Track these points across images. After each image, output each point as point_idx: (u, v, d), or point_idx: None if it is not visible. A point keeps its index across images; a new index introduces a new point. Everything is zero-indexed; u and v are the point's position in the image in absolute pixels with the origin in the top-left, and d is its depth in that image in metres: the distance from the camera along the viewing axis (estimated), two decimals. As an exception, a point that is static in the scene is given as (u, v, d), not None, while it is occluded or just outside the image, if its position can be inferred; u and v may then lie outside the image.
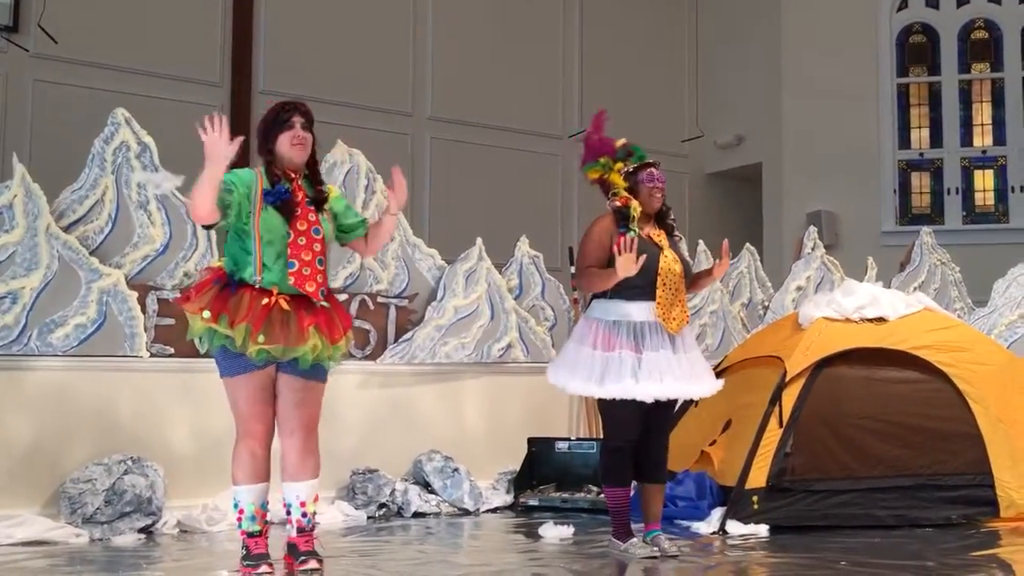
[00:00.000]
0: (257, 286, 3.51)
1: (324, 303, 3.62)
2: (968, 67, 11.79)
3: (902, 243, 9.47)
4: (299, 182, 3.65)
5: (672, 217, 4.34)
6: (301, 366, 3.56)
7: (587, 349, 4.11)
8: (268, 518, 3.68)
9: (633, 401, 4.04)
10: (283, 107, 3.68)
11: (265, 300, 3.49)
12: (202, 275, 3.72)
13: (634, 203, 4.15)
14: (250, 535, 3.60)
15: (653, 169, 4.22)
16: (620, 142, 4.25)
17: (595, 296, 4.23)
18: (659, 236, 4.24)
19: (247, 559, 3.58)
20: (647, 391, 4.01)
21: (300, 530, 3.64)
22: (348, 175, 6.00)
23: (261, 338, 3.44)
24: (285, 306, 3.51)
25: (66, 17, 8.59)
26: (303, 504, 3.62)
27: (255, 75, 9.70)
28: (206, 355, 3.64)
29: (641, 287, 4.12)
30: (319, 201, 3.68)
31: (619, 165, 4.21)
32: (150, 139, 5.32)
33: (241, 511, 3.60)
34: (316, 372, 3.64)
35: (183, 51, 9.24)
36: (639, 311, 4.11)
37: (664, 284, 4.13)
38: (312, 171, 3.72)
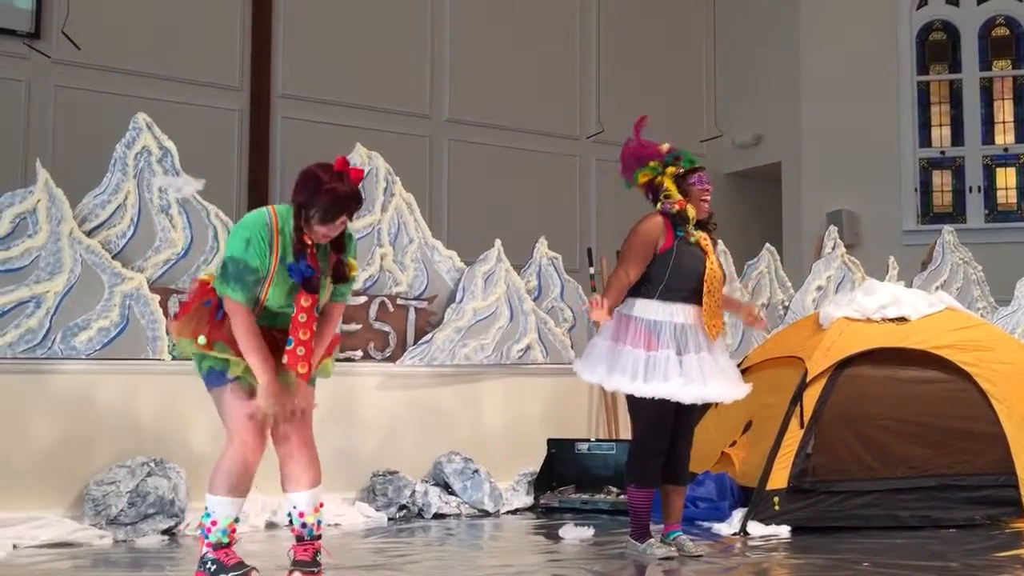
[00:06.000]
0: None
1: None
2: (989, 64, 11.68)
3: (923, 242, 9.40)
4: (314, 248, 3.37)
5: (713, 222, 4.31)
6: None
7: (626, 348, 4.06)
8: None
9: (667, 403, 4.03)
10: (337, 202, 3.27)
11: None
12: (191, 290, 3.53)
13: (689, 207, 4.16)
14: (217, 547, 3.39)
15: (703, 173, 4.23)
16: (665, 146, 4.24)
17: (636, 295, 4.18)
18: (705, 241, 4.21)
19: (226, 570, 3.36)
20: (691, 392, 4.00)
21: (299, 539, 3.52)
22: (367, 178, 6.02)
23: None
24: (278, 335, 3.38)
25: (87, 23, 8.66)
26: (301, 515, 3.49)
27: (274, 79, 9.74)
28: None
29: (687, 291, 4.12)
30: (338, 276, 3.44)
31: (671, 169, 4.20)
32: (171, 143, 5.36)
33: (214, 522, 3.38)
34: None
35: (203, 56, 9.30)
36: (682, 313, 4.10)
37: (709, 292, 4.13)
38: (336, 240, 3.40)
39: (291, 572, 3.50)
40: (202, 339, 3.34)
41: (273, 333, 3.41)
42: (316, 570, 3.51)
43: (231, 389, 3.38)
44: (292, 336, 3.33)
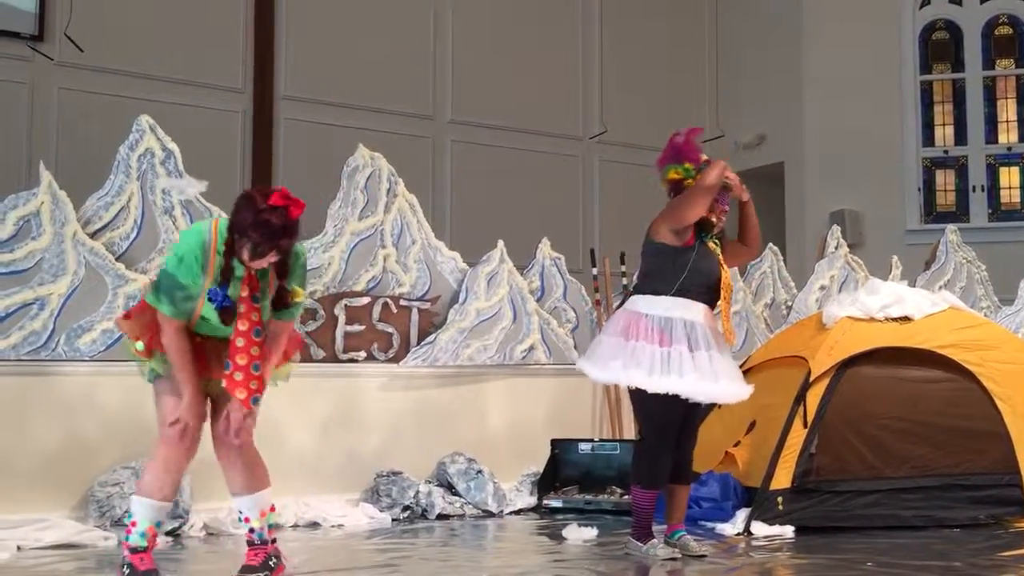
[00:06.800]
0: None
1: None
2: (992, 63, 11.67)
3: (927, 241, 9.39)
4: (253, 271, 3.30)
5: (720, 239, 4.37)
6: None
7: (640, 343, 4.04)
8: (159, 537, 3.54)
9: (676, 402, 4.02)
10: (267, 237, 3.15)
11: (197, 339, 3.39)
12: (144, 287, 3.55)
13: (711, 216, 4.20)
14: (134, 551, 3.41)
15: (728, 195, 4.26)
16: (705, 157, 4.27)
17: (644, 292, 4.19)
18: (717, 252, 4.26)
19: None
20: (704, 389, 4.01)
21: (249, 543, 3.52)
22: (370, 179, 6.03)
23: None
24: (221, 344, 3.36)
25: (90, 25, 8.68)
26: (247, 520, 3.49)
27: (277, 80, 9.75)
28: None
29: (701, 290, 4.14)
30: (278, 303, 3.37)
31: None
32: (174, 145, 5.37)
33: (134, 523, 3.40)
34: None
35: (206, 58, 9.31)
36: (693, 311, 4.11)
37: (724, 297, 4.19)
38: (279, 265, 3.30)
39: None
40: (140, 345, 3.36)
41: (215, 342, 3.40)
42: (265, 574, 3.47)
43: (170, 388, 3.39)
44: (230, 360, 3.31)
